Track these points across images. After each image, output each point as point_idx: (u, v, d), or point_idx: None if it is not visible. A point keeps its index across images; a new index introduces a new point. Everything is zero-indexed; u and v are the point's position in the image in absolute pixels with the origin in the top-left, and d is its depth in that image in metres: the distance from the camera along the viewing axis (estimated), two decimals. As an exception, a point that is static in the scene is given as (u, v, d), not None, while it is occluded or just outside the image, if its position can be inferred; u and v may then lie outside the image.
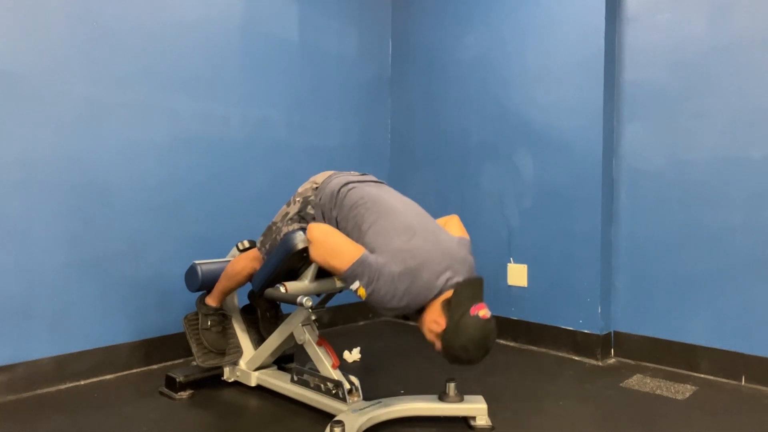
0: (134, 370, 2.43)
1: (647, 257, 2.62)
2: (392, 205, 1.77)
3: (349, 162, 3.29)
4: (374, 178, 1.99)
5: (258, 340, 2.25)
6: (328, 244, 1.69)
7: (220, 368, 2.23)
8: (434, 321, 1.64)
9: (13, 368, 2.11)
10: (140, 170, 2.44)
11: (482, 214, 3.09)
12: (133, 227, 2.42)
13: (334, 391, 1.87)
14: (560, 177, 2.78)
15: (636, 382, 2.36)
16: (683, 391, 2.25)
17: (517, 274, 2.94)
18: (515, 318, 2.96)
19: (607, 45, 2.64)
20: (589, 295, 2.69)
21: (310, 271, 1.85)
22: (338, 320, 3.28)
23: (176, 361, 2.55)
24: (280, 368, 2.24)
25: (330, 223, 1.83)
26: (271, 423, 1.90)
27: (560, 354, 2.77)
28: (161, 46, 2.49)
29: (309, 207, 1.91)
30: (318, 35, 3.13)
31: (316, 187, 1.93)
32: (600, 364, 2.62)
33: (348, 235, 1.75)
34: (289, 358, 2.38)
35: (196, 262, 2.21)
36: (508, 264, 2.98)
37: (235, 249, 2.27)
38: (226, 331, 2.23)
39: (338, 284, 1.94)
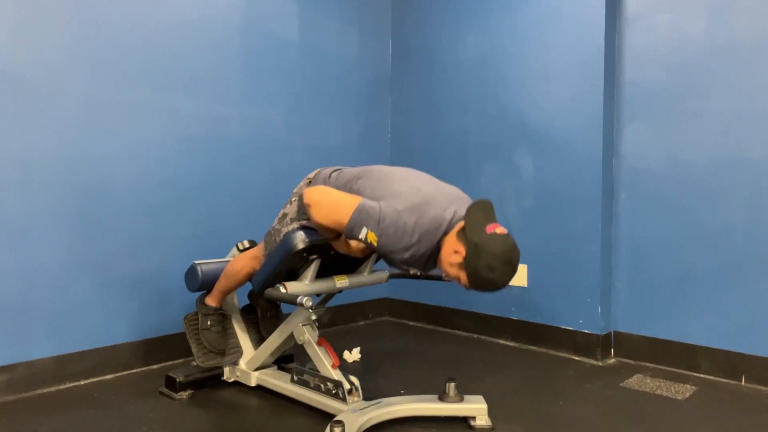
0: (134, 370, 2.43)
1: (647, 257, 2.62)
2: (388, 170, 1.82)
3: (349, 162, 3.29)
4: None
5: (258, 340, 2.25)
6: (326, 200, 1.69)
7: (220, 368, 2.23)
8: (453, 251, 1.61)
9: (13, 368, 2.11)
10: (140, 170, 2.44)
11: (482, 214, 3.09)
12: (133, 227, 2.42)
13: (334, 391, 1.87)
14: (560, 177, 2.78)
15: (636, 382, 2.36)
16: (683, 391, 2.25)
17: (517, 274, 2.94)
18: (515, 318, 2.96)
19: (607, 45, 2.64)
20: (589, 295, 2.69)
21: (310, 271, 1.85)
22: (338, 320, 3.28)
23: (176, 361, 2.55)
24: (280, 368, 2.24)
25: None
26: (271, 423, 1.90)
27: (560, 354, 2.77)
28: (161, 46, 2.49)
29: None
30: (318, 35, 3.13)
31: (309, 182, 1.98)
32: (600, 364, 2.62)
33: None
34: (289, 358, 2.38)
35: (196, 262, 2.21)
36: (508, 264, 2.98)
37: (235, 249, 2.27)
38: (226, 331, 2.23)
39: (338, 284, 1.94)
